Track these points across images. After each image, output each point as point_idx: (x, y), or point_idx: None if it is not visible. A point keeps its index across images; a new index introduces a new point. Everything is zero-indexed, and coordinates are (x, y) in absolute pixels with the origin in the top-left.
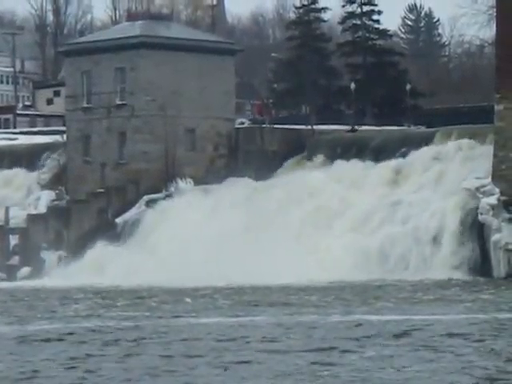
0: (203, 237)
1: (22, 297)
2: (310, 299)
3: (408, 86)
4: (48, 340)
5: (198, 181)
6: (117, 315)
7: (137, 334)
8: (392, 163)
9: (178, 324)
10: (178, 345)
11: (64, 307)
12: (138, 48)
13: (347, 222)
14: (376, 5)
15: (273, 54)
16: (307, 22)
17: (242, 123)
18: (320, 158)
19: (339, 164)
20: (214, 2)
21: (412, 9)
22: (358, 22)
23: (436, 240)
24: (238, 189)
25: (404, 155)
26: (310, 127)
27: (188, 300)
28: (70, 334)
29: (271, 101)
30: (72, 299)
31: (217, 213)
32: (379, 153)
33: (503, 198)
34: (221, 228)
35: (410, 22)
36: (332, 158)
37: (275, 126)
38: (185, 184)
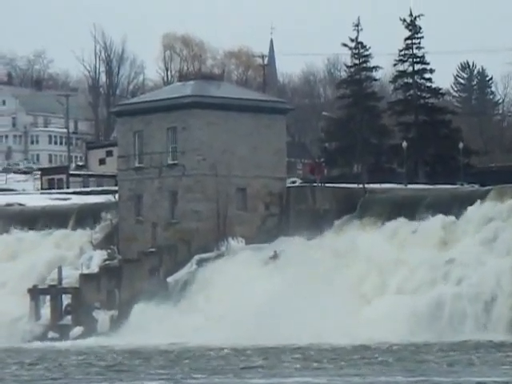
0: (255, 296)
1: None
2: (367, 359)
3: (461, 145)
4: None
5: (250, 240)
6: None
7: None
8: (445, 222)
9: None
10: None
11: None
12: (190, 108)
13: (399, 281)
14: (428, 63)
15: (324, 113)
16: (358, 80)
17: (294, 182)
18: (372, 216)
19: (391, 223)
20: (265, 62)
21: (464, 67)
22: (410, 81)
23: (490, 301)
24: (289, 248)
25: (457, 214)
26: (361, 186)
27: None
28: None
29: (322, 160)
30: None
31: (268, 272)
32: (432, 211)
33: None
34: (272, 288)
35: (462, 81)
36: (384, 216)
37: (327, 184)
38: (236, 243)
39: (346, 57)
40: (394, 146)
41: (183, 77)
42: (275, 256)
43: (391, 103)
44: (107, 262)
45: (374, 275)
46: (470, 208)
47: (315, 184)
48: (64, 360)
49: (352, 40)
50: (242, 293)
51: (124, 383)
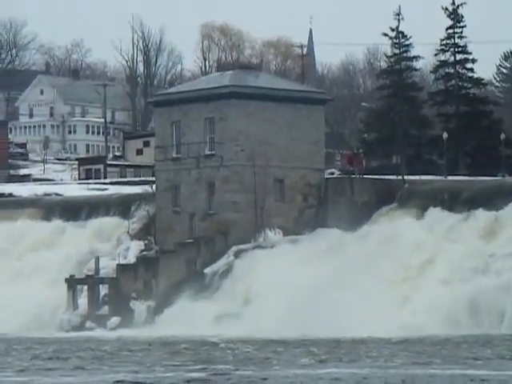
0: (292, 288)
1: (130, 347)
2: (408, 351)
3: (502, 136)
4: None
5: (287, 231)
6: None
7: None
8: (486, 214)
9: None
10: None
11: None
12: (228, 98)
13: (438, 273)
14: (470, 53)
15: (363, 104)
16: (399, 71)
17: (332, 173)
18: (411, 208)
19: (431, 215)
20: (304, 52)
21: (507, 56)
22: (451, 71)
23: None
24: (327, 240)
25: (499, 206)
26: (400, 177)
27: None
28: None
29: (361, 151)
30: (177, 350)
31: (306, 264)
32: (472, 203)
33: None
34: (310, 279)
35: (505, 70)
36: (423, 208)
37: (365, 176)
38: (274, 234)
39: (386, 47)
40: (435, 137)
41: (221, 67)
42: None
43: (432, 94)
44: (144, 253)
45: (413, 267)
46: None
47: (353, 175)
48: (100, 350)
49: (392, 29)
50: (280, 284)
51: (159, 374)
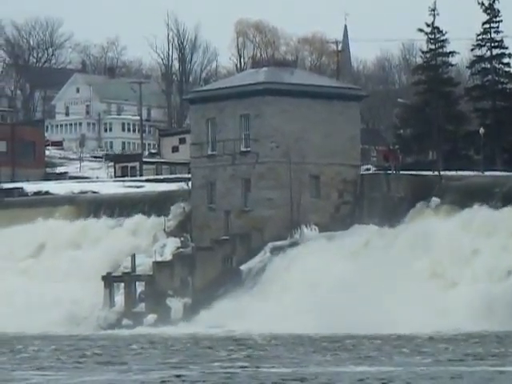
0: (329, 284)
1: (174, 344)
2: (444, 348)
3: None
4: None
5: (323, 228)
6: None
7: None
8: None
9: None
10: None
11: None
12: (263, 95)
13: (475, 269)
14: (507, 47)
15: (399, 100)
16: (434, 66)
17: (368, 169)
18: (447, 204)
19: (468, 211)
20: (339, 48)
21: None
22: (488, 66)
23: None
24: (363, 236)
25: None
26: (437, 173)
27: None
28: None
29: (397, 146)
30: (215, 346)
31: (342, 260)
32: (510, 199)
33: None
34: (347, 275)
35: None
36: (460, 204)
37: (401, 172)
38: (310, 231)
39: (421, 42)
40: (471, 132)
41: (256, 63)
42: None
43: (468, 89)
44: (180, 250)
45: (449, 263)
46: None
47: (389, 171)
48: (138, 347)
49: (428, 25)
50: (316, 280)
51: (202, 370)
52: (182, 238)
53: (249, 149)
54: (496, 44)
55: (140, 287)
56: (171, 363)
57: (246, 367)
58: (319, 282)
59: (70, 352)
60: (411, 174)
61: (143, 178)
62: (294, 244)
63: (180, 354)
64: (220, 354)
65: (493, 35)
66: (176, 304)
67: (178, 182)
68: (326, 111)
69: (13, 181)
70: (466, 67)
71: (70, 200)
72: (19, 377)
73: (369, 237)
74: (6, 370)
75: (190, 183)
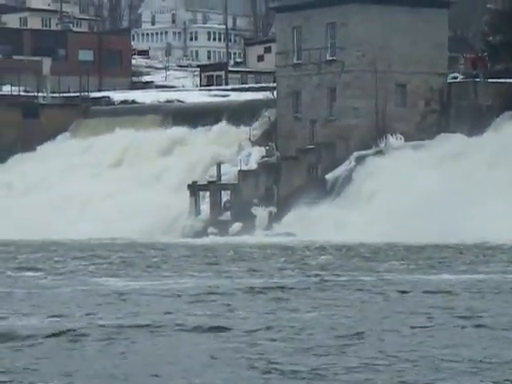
0: (414, 193)
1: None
2: None
3: None
4: None
5: (409, 137)
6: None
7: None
8: None
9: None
10: None
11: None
12: (350, 3)
13: None
14: None
15: (488, 6)
16: None
17: (455, 78)
18: None
19: None
20: None
21: None
22: None
23: None
24: (450, 145)
25: None
26: None
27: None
28: None
29: (485, 54)
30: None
31: (428, 169)
32: None
33: None
34: (432, 184)
35: None
36: None
37: (489, 80)
38: (395, 140)
39: None
40: None
41: None
42: None
43: None
44: (265, 159)
45: None
46: None
47: (477, 79)
48: (226, 255)
49: None
50: (401, 190)
51: (289, 279)
52: (267, 147)
53: (334, 57)
54: None
55: (225, 196)
56: (257, 272)
57: (319, 275)
58: (404, 192)
59: (156, 258)
60: (500, 82)
61: (228, 87)
62: (379, 153)
63: (264, 262)
64: (302, 264)
65: None
66: (261, 213)
67: (264, 91)
68: (414, 19)
69: (100, 90)
70: None
71: (156, 109)
72: (107, 283)
73: (455, 146)
74: (88, 277)
75: (275, 92)
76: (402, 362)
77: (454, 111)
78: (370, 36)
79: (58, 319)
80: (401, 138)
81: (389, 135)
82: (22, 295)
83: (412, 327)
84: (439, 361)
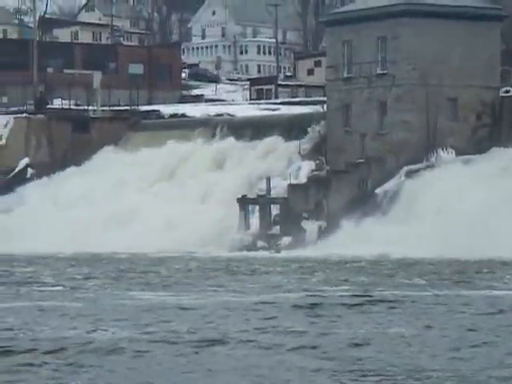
0: (466, 208)
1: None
2: None
3: None
4: None
5: (460, 151)
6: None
7: None
8: None
9: None
10: None
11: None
12: (400, 16)
13: None
14: None
15: None
16: None
17: (507, 91)
18: None
19: None
20: None
21: None
22: None
23: None
24: (502, 160)
25: None
26: None
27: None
28: None
29: None
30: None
31: (479, 184)
32: None
33: None
34: (484, 199)
35: None
36: None
37: None
38: (446, 154)
39: None
40: None
41: None
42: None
43: None
44: (315, 173)
45: None
46: None
47: None
48: (279, 269)
49: None
50: (452, 204)
51: (340, 293)
52: (317, 161)
53: (385, 71)
54: None
55: (275, 210)
56: (311, 284)
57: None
58: (455, 206)
59: (209, 272)
60: None
61: (278, 100)
62: (429, 167)
63: (316, 275)
64: (360, 277)
65: None
66: (311, 226)
67: (314, 104)
68: (465, 32)
69: (150, 103)
70: None
71: (205, 122)
72: (159, 299)
73: (507, 161)
74: (134, 292)
75: (325, 106)
76: None
77: (505, 125)
78: (421, 49)
79: (137, 331)
80: (452, 153)
81: (439, 149)
82: (87, 308)
83: None
84: None
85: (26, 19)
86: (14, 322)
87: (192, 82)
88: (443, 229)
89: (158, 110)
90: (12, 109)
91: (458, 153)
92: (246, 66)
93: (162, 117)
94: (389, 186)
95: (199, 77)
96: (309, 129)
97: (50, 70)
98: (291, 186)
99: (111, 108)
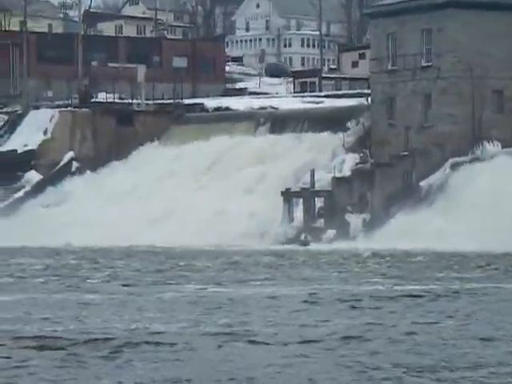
0: (510, 201)
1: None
2: None
3: None
4: None
5: (506, 143)
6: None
7: None
8: None
9: None
10: None
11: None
12: (446, 8)
13: None
14: None
15: None
16: None
17: None
18: None
19: None
20: None
21: None
22: None
23: None
24: None
25: None
26: None
27: None
28: None
29: None
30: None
31: None
32: None
33: None
34: None
35: None
36: None
37: None
38: (492, 147)
39: None
40: None
41: None
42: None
43: None
44: (359, 166)
45: None
46: None
47: None
48: (327, 262)
49: None
50: (498, 198)
51: (409, 287)
52: (361, 154)
53: (430, 63)
54: None
55: (319, 203)
56: (365, 278)
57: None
58: (501, 199)
59: (253, 265)
60: None
61: (322, 93)
62: (475, 160)
63: (362, 269)
64: (412, 272)
65: None
66: (355, 220)
67: (358, 97)
68: (510, 23)
69: (193, 96)
70: None
71: (249, 116)
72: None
73: None
74: (176, 285)
75: (369, 99)
76: None
77: None
78: (467, 41)
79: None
80: (497, 145)
81: (485, 142)
82: (145, 302)
83: None
84: None
85: (71, 13)
86: (60, 314)
87: (266, 78)
88: (489, 222)
89: (202, 104)
90: (57, 103)
91: (504, 145)
92: (290, 59)
93: (206, 110)
94: (433, 178)
95: (278, 72)
96: (351, 122)
97: (94, 63)
98: (335, 179)
99: (155, 101)
